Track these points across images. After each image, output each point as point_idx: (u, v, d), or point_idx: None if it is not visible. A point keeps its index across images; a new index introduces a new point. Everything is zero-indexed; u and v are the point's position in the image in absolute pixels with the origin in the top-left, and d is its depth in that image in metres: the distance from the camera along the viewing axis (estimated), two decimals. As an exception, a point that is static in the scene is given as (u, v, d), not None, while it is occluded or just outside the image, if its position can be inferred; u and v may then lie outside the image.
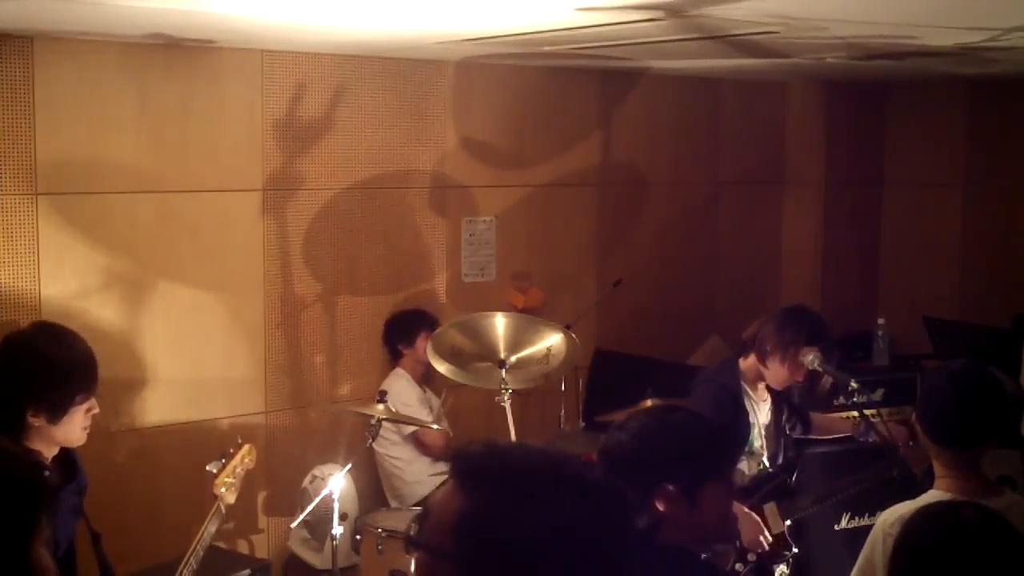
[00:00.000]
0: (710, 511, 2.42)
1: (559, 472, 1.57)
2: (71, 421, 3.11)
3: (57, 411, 3.08)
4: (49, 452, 3.10)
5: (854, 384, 4.32)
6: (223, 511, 3.49)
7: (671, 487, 2.37)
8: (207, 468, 3.53)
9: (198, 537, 3.41)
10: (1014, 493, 2.98)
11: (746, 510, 3.76)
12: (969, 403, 2.88)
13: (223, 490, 3.50)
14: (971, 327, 6.22)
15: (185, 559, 3.37)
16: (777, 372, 4.07)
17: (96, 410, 3.18)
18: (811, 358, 4.06)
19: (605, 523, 1.56)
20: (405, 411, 5.13)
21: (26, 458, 2.03)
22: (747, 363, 4.15)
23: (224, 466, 3.54)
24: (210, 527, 3.45)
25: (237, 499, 3.62)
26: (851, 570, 2.98)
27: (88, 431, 3.19)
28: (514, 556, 1.49)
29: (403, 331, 5.48)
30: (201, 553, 3.40)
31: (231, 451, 3.62)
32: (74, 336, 3.23)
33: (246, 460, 3.63)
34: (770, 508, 3.85)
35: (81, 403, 3.13)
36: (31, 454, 2.96)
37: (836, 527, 4.94)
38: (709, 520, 2.42)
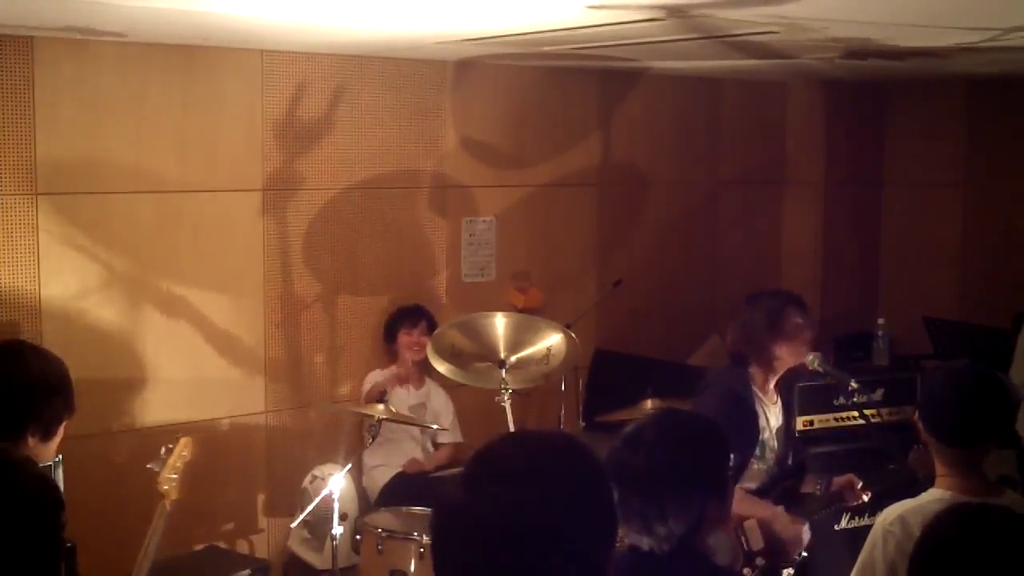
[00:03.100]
0: (730, 502, 2.49)
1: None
2: (57, 438, 3.09)
3: (51, 428, 3.03)
4: None
5: (854, 384, 4.32)
6: (167, 508, 3.50)
7: (712, 493, 2.40)
8: (148, 466, 3.55)
9: (147, 539, 3.42)
10: (1014, 493, 2.98)
11: (788, 521, 3.79)
12: (971, 402, 2.88)
13: (166, 487, 3.52)
14: (971, 327, 6.22)
15: (138, 562, 3.38)
16: (783, 356, 4.07)
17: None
18: (811, 358, 4.07)
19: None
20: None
21: (40, 472, 1.95)
22: (753, 368, 4.13)
23: (164, 463, 3.56)
24: (159, 526, 3.46)
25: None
26: (851, 570, 2.98)
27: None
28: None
29: (385, 330, 5.53)
30: (152, 556, 3.41)
31: (169, 447, 3.63)
32: (47, 351, 3.23)
33: (183, 453, 3.65)
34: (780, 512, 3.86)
35: (67, 419, 3.11)
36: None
37: (836, 527, 4.94)
38: (729, 511, 2.51)
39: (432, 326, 5.39)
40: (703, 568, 2.40)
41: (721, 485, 2.42)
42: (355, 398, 5.50)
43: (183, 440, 3.67)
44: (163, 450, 3.59)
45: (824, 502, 3.99)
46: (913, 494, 2.94)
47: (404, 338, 5.42)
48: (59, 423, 3.05)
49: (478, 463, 1.66)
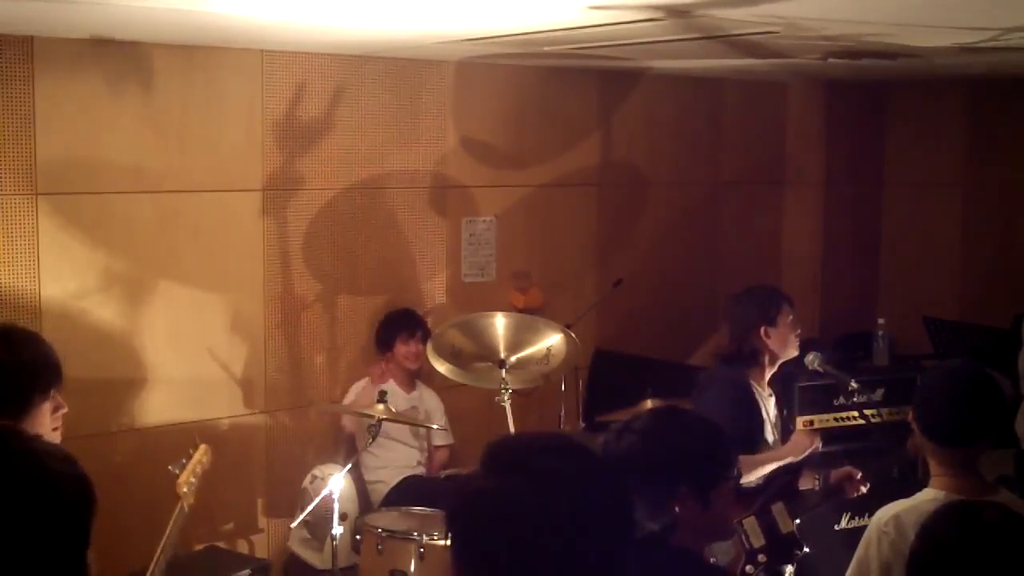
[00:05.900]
0: (719, 511, 2.46)
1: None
2: (35, 421, 3.10)
3: (13, 412, 3.08)
4: None
5: (854, 384, 4.34)
6: (186, 510, 3.51)
7: (686, 490, 2.38)
8: (169, 468, 3.56)
9: (164, 539, 3.43)
10: (1011, 493, 2.98)
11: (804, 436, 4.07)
12: (965, 402, 2.88)
13: (185, 490, 3.53)
14: (971, 327, 6.22)
15: (154, 562, 3.38)
16: (776, 349, 4.14)
17: (64, 409, 3.18)
18: (811, 358, 4.16)
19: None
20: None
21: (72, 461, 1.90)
22: (748, 364, 4.17)
23: (184, 467, 3.57)
24: (174, 528, 3.47)
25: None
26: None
27: (59, 431, 3.19)
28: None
29: (378, 338, 5.44)
30: (169, 554, 3.42)
31: (190, 452, 3.65)
32: (28, 338, 3.23)
33: (203, 460, 3.66)
34: (778, 508, 3.86)
35: (40, 403, 3.12)
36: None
37: (836, 527, 4.94)
38: (718, 519, 2.47)
39: (426, 333, 5.37)
40: (685, 568, 2.39)
41: (700, 486, 2.40)
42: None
43: (203, 447, 3.69)
44: (184, 456, 3.62)
45: (824, 495, 4.01)
46: (909, 492, 2.94)
47: (402, 348, 5.32)
48: (22, 405, 3.07)
49: (506, 453, 1.69)
